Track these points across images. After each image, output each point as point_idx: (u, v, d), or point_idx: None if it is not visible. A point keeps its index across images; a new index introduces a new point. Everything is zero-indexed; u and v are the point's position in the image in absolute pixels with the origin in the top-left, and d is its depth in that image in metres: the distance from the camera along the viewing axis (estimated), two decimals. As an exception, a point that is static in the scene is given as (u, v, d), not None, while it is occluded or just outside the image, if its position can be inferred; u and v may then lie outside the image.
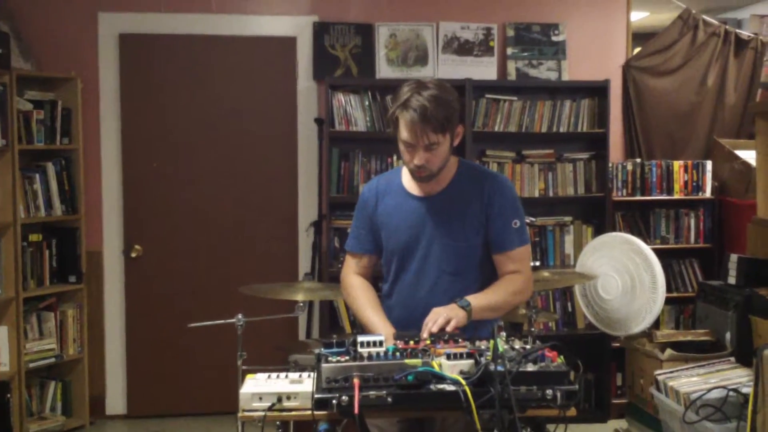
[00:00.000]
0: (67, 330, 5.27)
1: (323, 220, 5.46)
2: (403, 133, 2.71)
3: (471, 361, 2.29)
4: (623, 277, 4.52)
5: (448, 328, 2.52)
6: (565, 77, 5.68)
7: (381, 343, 2.40)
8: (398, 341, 2.44)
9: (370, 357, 2.29)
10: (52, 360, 5.18)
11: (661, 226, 5.66)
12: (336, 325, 5.33)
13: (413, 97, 2.65)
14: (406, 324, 2.71)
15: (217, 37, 5.58)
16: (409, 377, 2.21)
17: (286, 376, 2.56)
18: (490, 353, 2.31)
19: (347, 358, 2.31)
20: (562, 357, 2.34)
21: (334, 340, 2.46)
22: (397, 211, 2.90)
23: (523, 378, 2.23)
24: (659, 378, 3.94)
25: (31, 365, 5.04)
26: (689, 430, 3.61)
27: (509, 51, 5.67)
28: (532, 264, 4.22)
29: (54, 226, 5.30)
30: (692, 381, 3.79)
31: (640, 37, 5.96)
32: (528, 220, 5.51)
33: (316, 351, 2.44)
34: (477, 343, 2.47)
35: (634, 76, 5.80)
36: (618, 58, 5.83)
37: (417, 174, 2.78)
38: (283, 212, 5.65)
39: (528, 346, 2.43)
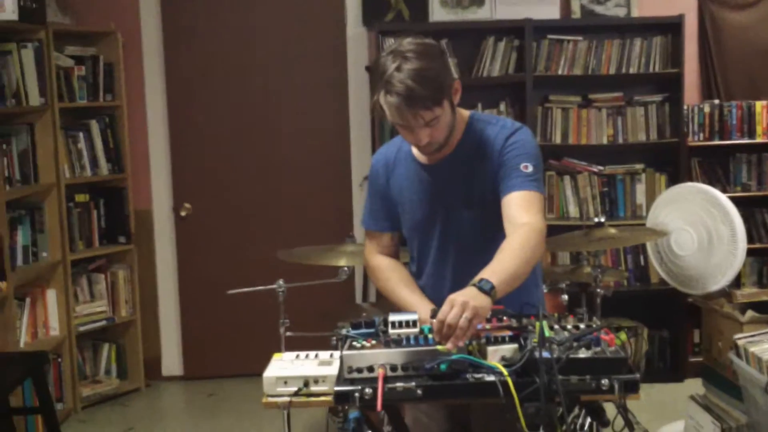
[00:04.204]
0: (119, 291, 5.17)
1: (377, 174, 5.21)
2: (393, 118, 2.35)
3: (515, 346, 2.01)
4: (699, 231, 4.16)
5: (472, 328, 2.02)
6: (635, 13, 5.26)
7: (414, 323, 2.15)
8: (434, 319, 2.16)
9: (398, 342, 2.04)
10: (104, 323, 5.08)
11: (742, 172, 5.25)
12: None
13: (394, 77, 2.27)
14: (439, 305, 2.42)
15: (262, -16, 5.33)
16: (442, 366, 1.95)
17: (316, 356, 2.33)
18: (536, 335, 2.03)
19: (374, 342, 2.06)
20: (620, 339, 2.05)
21: (363, 320, 2.22)
22: (408, 183, 2.58)
23: (575, 366, 1.94)
24: (739, 342, 3.58)
25: (82, 329, 4.95)
26: (772, 402, 3.28)
27: (573, -14, 5.27)
28: (597, 219, 3.96)
29: (101, 185, 5.17)
30: (776, 347, 3.45)
31: (718, -35, 5.47)
32: (596, 169, 5.22)
33: (343, 332, 2.20)
34: (524, 321, 2.19)
35: (711, 10, 5.33)
36: (693, -9, 5.38)
37: (424, 151, 2.47)
38: (335, 165, 5.43)
39: (582, 325, 2.14)
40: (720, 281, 4.12)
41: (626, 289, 5.18)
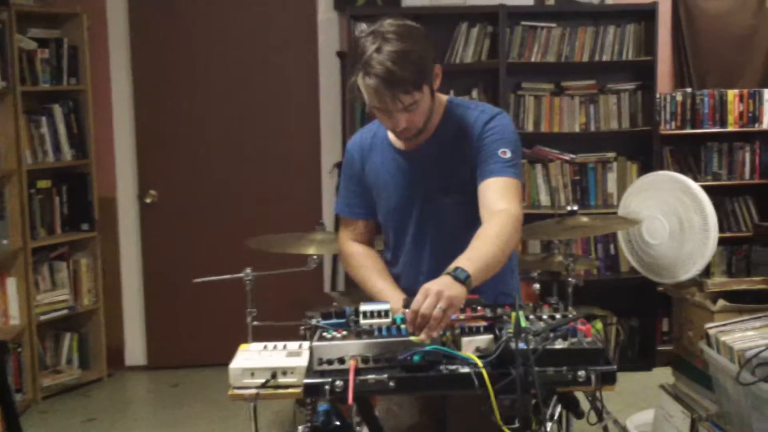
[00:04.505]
0: (81, 280, 5.06)
1: (347, 161, 5.14)
2: (371, 101, 2.28)
3: (490, 337, 1.95)
4: (671, 219, 4.12)
5: (447, 318, 1.95)
6: (609, 0, 5.22)
7: (386, 313, 2.08)
8: (407, 310, 2.10)
9: (370, 332, 1.97)
10: (66, 312, 4.97)
11: (713, 161, 5.24)
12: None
13: (373, 58, 2.19)
14: (410, 295, 2.36)
15: (231, -35, 5.21)
16: (415, 357, 1.88)
17: (284, 347, 2.26)
18: (512, 325, 1.97)
19: (345, 332, 1.99)
20: (596, 329, 2.00)
21: (334, 310, 2.14)
22: (384, 169, 2.50)
23: (551, 357, 1.88)
24: (710, 332, 3.55)
25: (43, 318, 4.83)
26: (744, 392, 3.25)
27: (547, -28, 5.22)
28: (570, 208, 3.92)
29: (64, 171, 5.05)
30: (747, 336, 3.40)
31: (691, -47, 5.44)
32: (567, 157, 5.17)
33: (313, 321, 2.13)
34: (499, 310, 2.12)
35: (684, -3, 5.32)
36: (667, -22, 5.35)
37: (401, 137, 2.40)
38: (304, 152, 5.35)
39: (558, 315, 2.08)
40: (691, 270, 4.08)
41: (596, 278, 5.16)
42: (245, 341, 3.64)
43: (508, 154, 2.33)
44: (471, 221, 2.37)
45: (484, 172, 2.33)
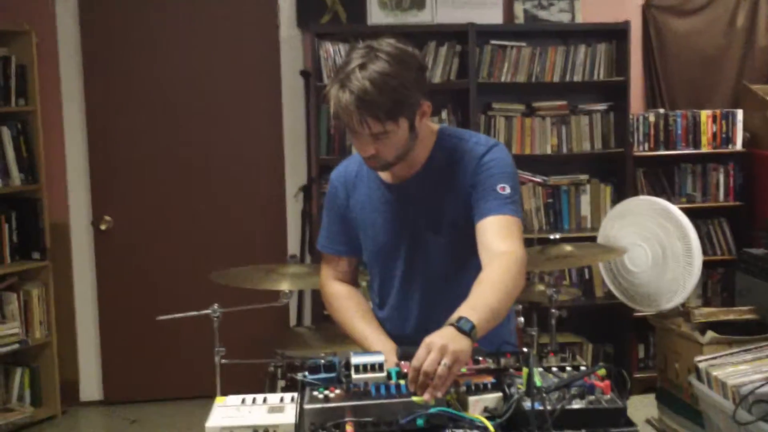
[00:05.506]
0: (33, 312, 4.76)
1: (313, 184, 4.95)
2: (338, 116, 2.08)
3: (498, 395, 1.77)
4: (653, 246, 4.00)
5: (453, 376, 1.75)
6: (579, 19, 5.10)
7: (380, 366, 1.88)
8: (402, 362, 1.90)
9: (366, 392, 1.77)
10: (16, 346, 4.67)
11: (687, 183, 5.13)
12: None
13: (354, 72, 2.03)
14: (399, 341, 2.16)
15: (188, -19, 4.99)
16: (419, 421, 1.69)
17: (264, 401, 2.06)
18: (521, 381, 1.79)
19: (337, 391, 1.79)
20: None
21: (322, 362, 1.94)
22: (370, 203, 2.30)
23: (568, 418, 1.70)
24: (701, 366, 3.43)
25: (-8, 353, 4.55)
26: (739, 431, 3.12)
27: (516, -9, 5.08)
28: (552, 236, 3.76)
29: (13, 197, 4.77)
30: (740, 370, 3.29)
31: (662, -28, 5.34)
32: (540, 179, 5.05)
33: (299, 376, 1.92)
34: (503, 360, 1.93)
35: (655, 17, 5.21)
36: (638, -3, 5.25)
37: (369, 165, 2.20)
38: (268, 176, 5.13)
39: (567, 366, 1.91)
40: (673, 299, 3.96)
41: (570, 304, 5.00)
42: (208, 377, 3.45)
43: (507, 190, 2.15)
44: (463, 261, 2.19)
45: (482, 209, 2.14)
